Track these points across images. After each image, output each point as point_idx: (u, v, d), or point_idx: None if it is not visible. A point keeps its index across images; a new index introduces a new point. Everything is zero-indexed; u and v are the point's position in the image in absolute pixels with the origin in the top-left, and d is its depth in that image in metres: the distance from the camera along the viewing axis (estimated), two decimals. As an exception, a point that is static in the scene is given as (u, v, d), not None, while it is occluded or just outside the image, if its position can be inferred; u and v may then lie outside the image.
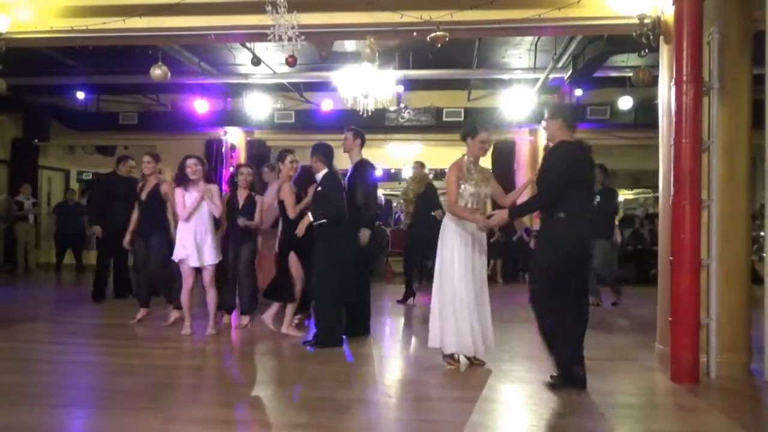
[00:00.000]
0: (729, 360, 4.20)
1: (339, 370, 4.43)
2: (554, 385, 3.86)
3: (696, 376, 4.04)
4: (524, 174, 11.34)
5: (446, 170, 4.63)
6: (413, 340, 5.49)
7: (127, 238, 6.01)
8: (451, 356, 4.37)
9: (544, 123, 4.22)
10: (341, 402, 3.65)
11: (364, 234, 5.35)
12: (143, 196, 5.87)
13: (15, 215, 10.83)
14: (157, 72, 6.18)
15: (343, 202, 5.10)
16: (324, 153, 5.13)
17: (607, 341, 5.53)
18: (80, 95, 11.02)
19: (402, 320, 6.58)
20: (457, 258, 4.25)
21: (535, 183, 4.13)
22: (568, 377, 3.81)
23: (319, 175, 5.10)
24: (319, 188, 5.06)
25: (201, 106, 10.78)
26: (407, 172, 11.65)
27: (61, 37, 5.49)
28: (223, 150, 11.48)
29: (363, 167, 5.49)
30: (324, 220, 4.97)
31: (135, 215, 5.93)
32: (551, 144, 4.11)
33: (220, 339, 5.38)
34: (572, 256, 3.85)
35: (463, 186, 4.27)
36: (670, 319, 4.14)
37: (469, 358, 4.40)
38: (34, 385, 3.92)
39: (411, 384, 4.20)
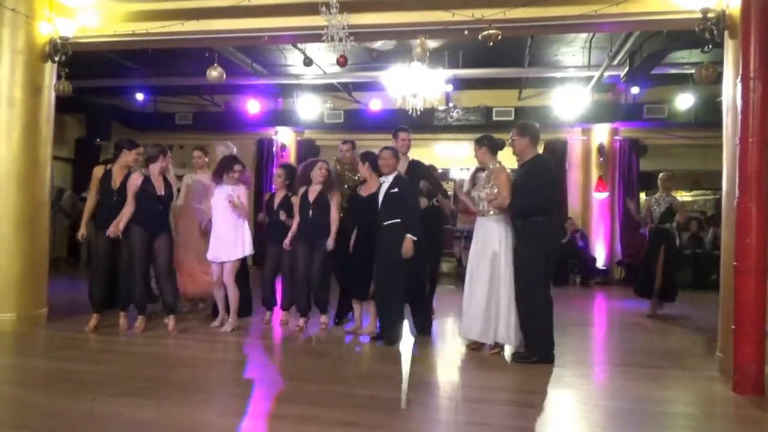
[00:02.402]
0: (797, 372, 3.98)
1: (389, 369, 4.44)
2: (518, 360, 4.53)
3: (760, 387, 3.85)
4: (576, 174, 11.10)
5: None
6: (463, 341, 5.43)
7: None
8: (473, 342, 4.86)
9: (511, 140, 4.74)
10: (391, 401, 3.66)
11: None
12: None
13: (80, 211, 11.33)
14: (214, 74, 6.35)
15: (418, 203, 5.22)
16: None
17: (665, 349, 5.35)
18: (139, 96, 11.47)
19: (451, 320, 6.52)
20: (472, 255, 4.82)
21: (518, 190, 4.61)
22: (544, 355, 4.48)
23: (390, 177, 5.16)
24: (395, 189, 5.10)
25: (253, 106, 11.02)
26: (456, 173, 11.60)
27: (123, 41, 5.71)
28: (274, 149, 11.70)
29: (417, 169, 5.50)
30: (398, 220, 5.05)
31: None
32: (521, 157, 4.71)
33: (272, 335, 5.49)
34: (554, 251, 4.65)
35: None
36: (733, 326, 3.96)
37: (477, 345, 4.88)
38: (97, 374, 4.10)
39: (461, 385, 4.17)
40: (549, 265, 4.56)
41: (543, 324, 4.53)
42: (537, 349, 4.52)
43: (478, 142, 4.92)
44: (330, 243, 5.37)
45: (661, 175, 7.11)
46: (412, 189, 5.22)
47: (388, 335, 5.10)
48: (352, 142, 6.13)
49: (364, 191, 5.42)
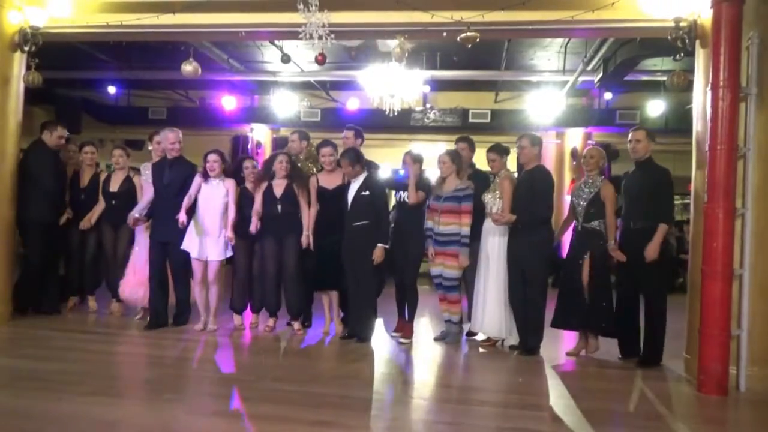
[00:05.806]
0: (760, 373, 4.09)
1: (362, 369, 4.44)
2: (517, 350, 4.90)
3: (724, 388, 3.96)
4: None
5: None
6: (441, 341, 5.45)
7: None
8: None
9: (523, 145, 4.98)
10: (365, 401, 3.65)
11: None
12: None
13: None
14: (188, 68, 6.23)
15: (387, 207, 5.37)
16: (361, 157, 5.26)
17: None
18: (111, 90, 11.22)
19: (428, 320, 6.54)
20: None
21: (523, 199, 4.87)
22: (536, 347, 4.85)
23: (359, 178, 5.16)
24: (366, 192, 5.11)
25: (229, 102, 10.89)
26: (431, 173, 11.61)
27: (97, 33, 5.57)
28: (249, 146, 11.59)
29: (375, 170, 5.49)
30: (366, 222, 5.08)
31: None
32: (526, 165, 5.02)
33: (245, 336, 5.42)
34: (551, 255, 5.27)
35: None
36: (699, 328, 4.06)
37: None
38: (64, 373, 4.01)
39: (437, 385, 4.20)
40: (548, 267, 5.09)
41: (539, 324, 4.86)
42: (533, 343, 4.87)
43: (491, 150, 5.17)
44: (304, 240, 5.24)
45: (585, 150, 5.24)
46: (382, 192, 5.30)
47: (362, 334, 5.10)
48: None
49: (328, 183, 5.32)
